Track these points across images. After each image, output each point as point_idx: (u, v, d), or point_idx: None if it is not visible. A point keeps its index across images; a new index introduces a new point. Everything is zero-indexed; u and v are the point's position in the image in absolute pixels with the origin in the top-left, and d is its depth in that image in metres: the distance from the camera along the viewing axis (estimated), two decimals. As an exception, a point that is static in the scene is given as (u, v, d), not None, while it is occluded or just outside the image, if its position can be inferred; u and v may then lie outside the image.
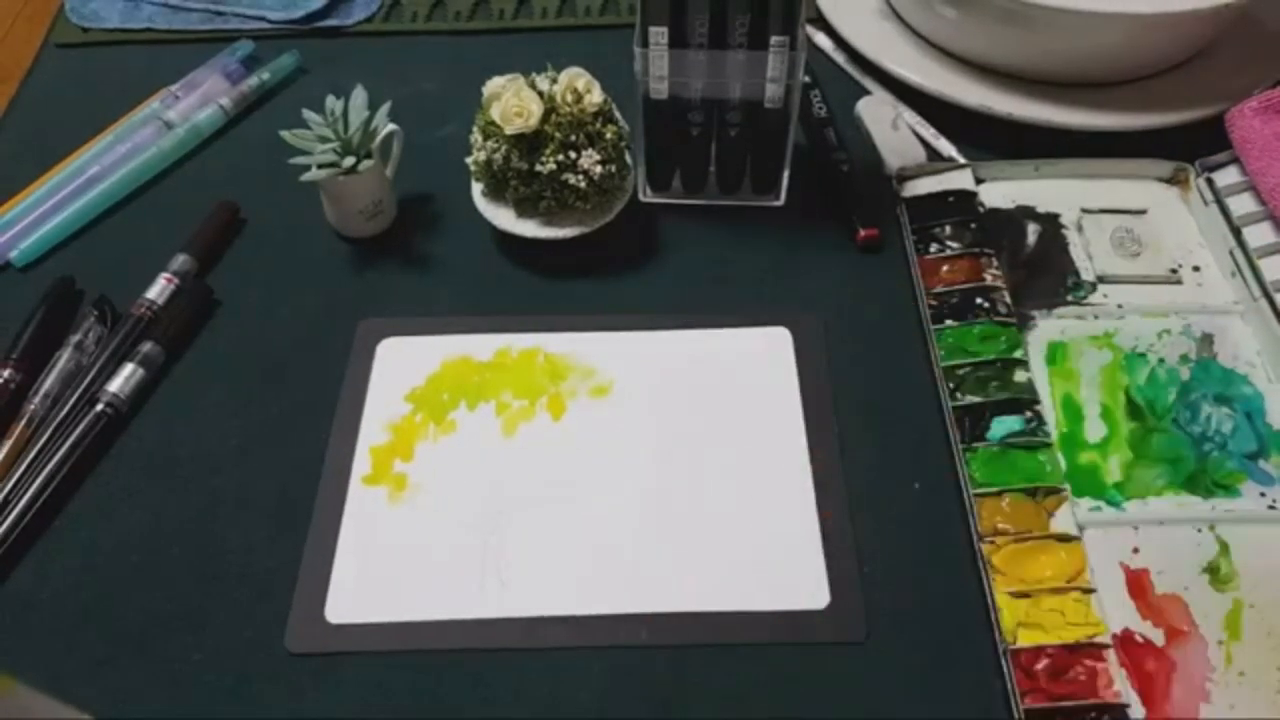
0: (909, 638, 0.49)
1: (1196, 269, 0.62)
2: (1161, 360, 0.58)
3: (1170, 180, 0.66)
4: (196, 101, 0.73)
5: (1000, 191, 0.66)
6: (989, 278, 0.60)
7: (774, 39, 0.57)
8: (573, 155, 0.59)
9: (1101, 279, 0.61)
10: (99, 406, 0.56)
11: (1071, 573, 0.50)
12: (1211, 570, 0.50)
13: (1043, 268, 0.62)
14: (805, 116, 0.69)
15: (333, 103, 0.62)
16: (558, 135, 0.59)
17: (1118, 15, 0.61)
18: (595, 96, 0.59)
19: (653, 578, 0.51)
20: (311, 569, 0.51)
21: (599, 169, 0.59)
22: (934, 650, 0.49)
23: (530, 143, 0.59)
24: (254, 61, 0.77)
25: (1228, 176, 0.63)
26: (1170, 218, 0.64)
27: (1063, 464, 0.54)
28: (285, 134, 0.62)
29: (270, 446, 0.56)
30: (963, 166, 0.66)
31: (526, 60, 0.63)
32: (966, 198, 0.64)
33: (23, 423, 0.56)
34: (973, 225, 0.63)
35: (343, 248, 0.65)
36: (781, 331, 0.60)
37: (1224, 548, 0.51)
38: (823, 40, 0.77)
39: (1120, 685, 0.46)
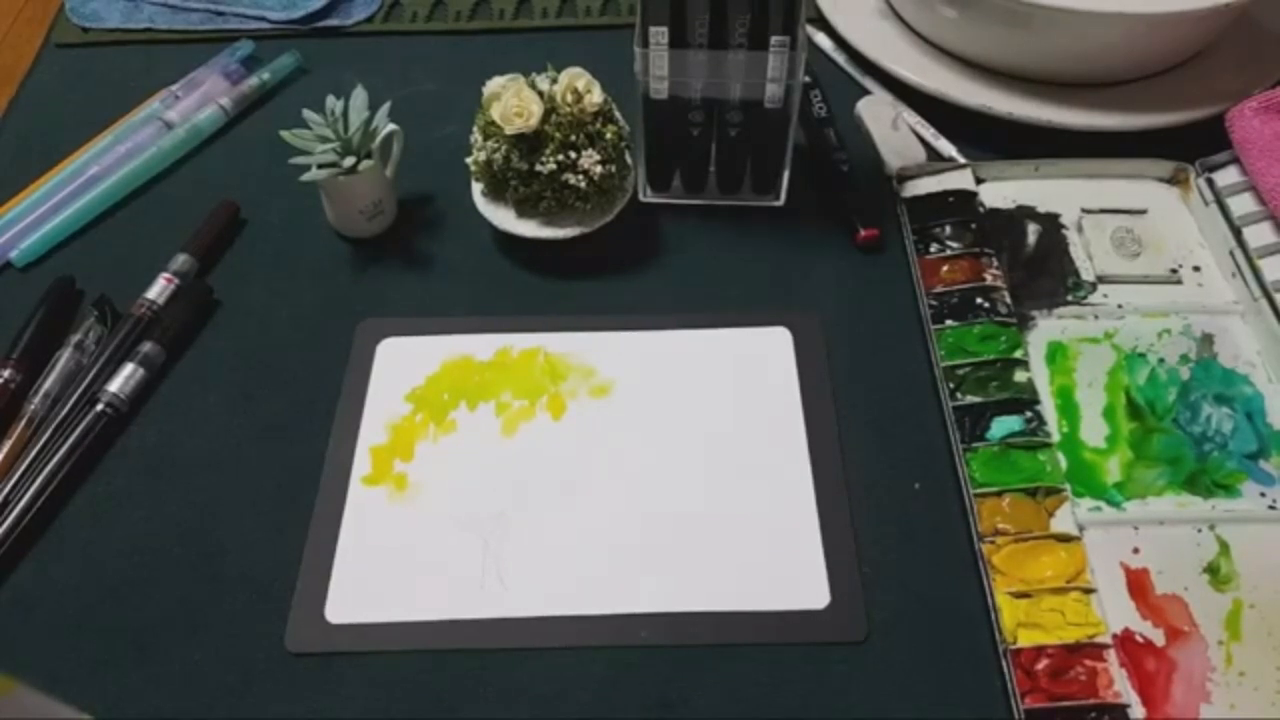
0: (909, 638, 0.49)
1: (1197, 269, 0.62)
2: (1162, 360, 0.58)
3: (1170, 180, 0.66)
4: (197, 101, 0.73)
5: (1000, 191, 0.66)
6: (989, 278, 0.60)
7: (774, 39, 0.57)
8: (573, 155, 0.59)
9: (1102, 279, 0.61)
10: (99, 406, 0.57)
11: (1072, 573, 0.50)
12: (1212, 570, 0.50)
13: (1043, 268, 0.62)
14: (805, 116, 0.69)
15: (333, 103, 0.62)
16: (558, 135, 0.59)
17: (1118, 15, 0.61)
18: (595, 96, 0.59)
19: (653, 577, 0.51)
20: (311, 569, 0.51)
21: (599, 169, 0.59)
22: (934, 650, 0.49)
23: (530, 143, 0.59)
24: (254, 61, 0.77)
25: (1228, 176, 0.63)
26: (1170, 218, 0.64)
27: (1063, 464, 0.54)
28: (285, 134, 0.62)
29: (270, 446, 0.56)
30: (963, 166, 0.66)
31: (526, 60, 0.63)
32: (967, 198, 0.64)
33: (23, 423, 0.56)
34: (973, 225, 0.63)
35: (343, 248, 0.65)
36: (781, 331, 0.60)
37: (1224, 548, 0.51)
38: (823, 40, 0.77)
39: (1120, 685, 0.46)
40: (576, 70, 0.60)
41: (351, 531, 0.53)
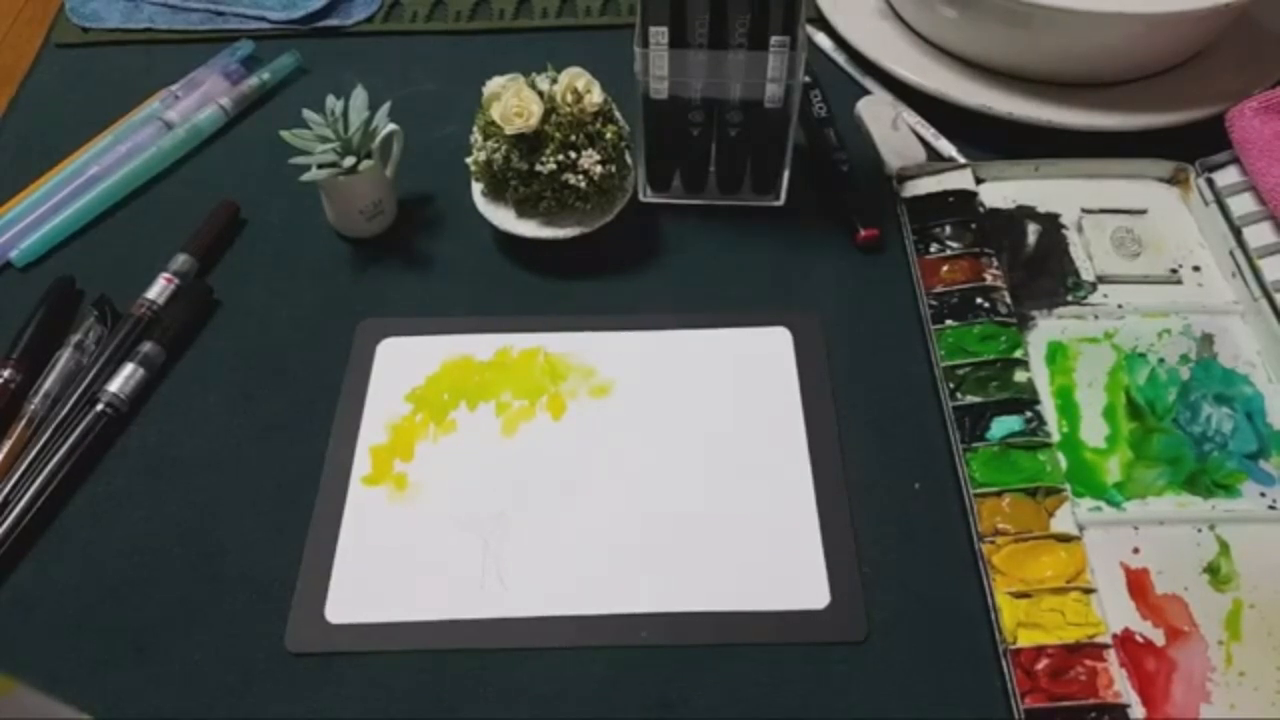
0: (909, 638, 0.49)
1: (1196, 269, 0.62)
2: (1162, 360, 0.58)
3: (1170, 180, 0.66)
4: (196, 101, 0.73)
5: (1000, 191, 0.66)
6: (989, 278, 0.60)
7: (774, 39, 0.57)
8: (573, 155, 0.59)
9: (1102, 279, 0.61)
10: (99, 406, 0.57)
11: (1072, 573, 0.50)
12: (1212, 570, 0.50)
13: (1043, 268, 0.62)
14: (805, 116, 0.69)
15: (333, 103, 0.62)
16: (558, 135, 0.59)
17: (1118, 15, 0.61)
18: (595, 96, 0.59)
19: (653, 577, 0.51)
20: (311, 569, 0.51)
21: (599, 169, 0.59)
22: (934, 650, 0.49)
23: (530, 143, 0.59)
24: (254, 61, 0.77)
25: (1228, 176, 0.63)
26: (1170, 218, 0.64)
27: (1063, 464, 0.54)
28: (285, 134, 0.62)
29: (270, 446, 0.56)
30: (963, 166, 0.66)
31: (526, 60, 0.63)
32: (966, 198, 0.64)
33: (23, 423, 0.56)
34: (973, 225, 0.63)
35: (343, 248, 0.65)
36: (781, 331, 0.60)
37: (1224, 548, 0.51)
38: (823, 40, 0.77)
39: (1120, 685, 0.46)
40: (576, 70, 0.60)
41: (351, 531, 0.53)
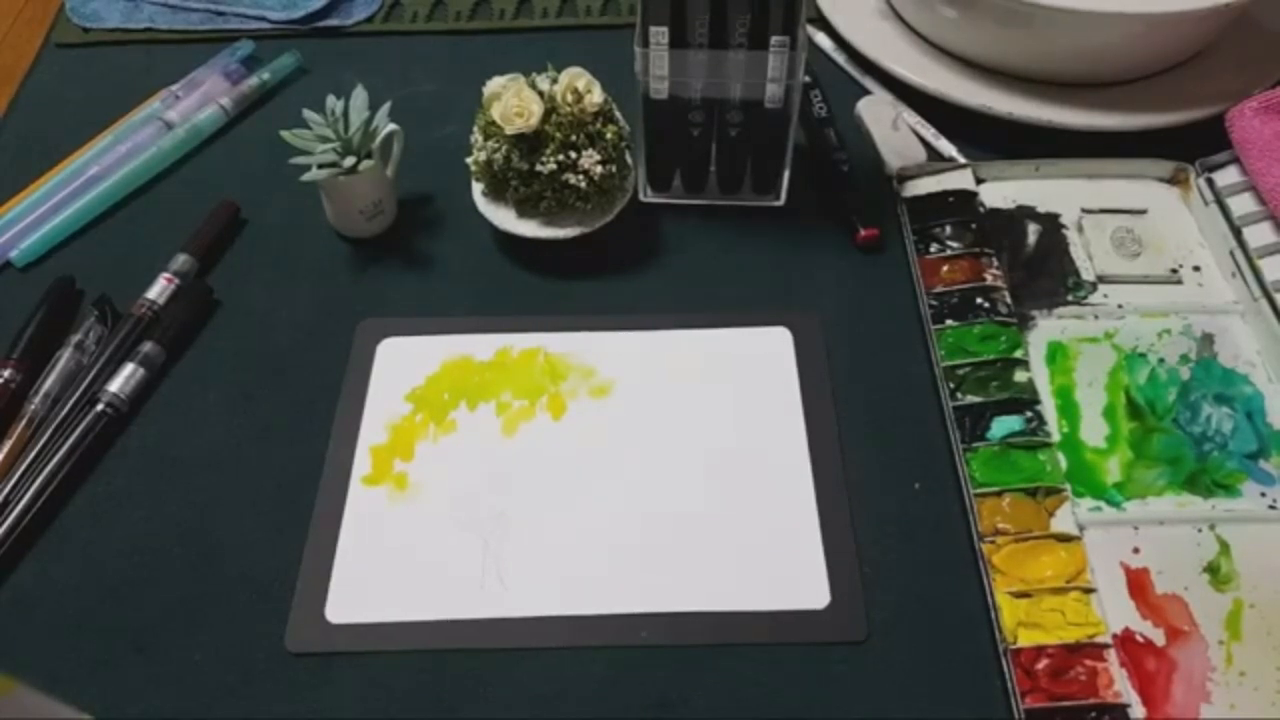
0: (909, 638, 0.49)
1: (1197, 269, 0.62)
2: (1162, 360, 0.58)
3: (1170, 180, 0.66)
4: (197, 101, 0.73)
5: (1000, 191, 0.66)
6: (989, 278, 0.60)
7: (774, 39, 0.57)
8: (573, 155, 0.59)
9: (1102, 279, 0.61)
10: (99, 406, 0.57)
11: (1072, 572, 0.50)
12: (1212, 570, 0.50)
13: (1043, 268, 0.62)
14: (805, 116, 0.69)
15: (333, 103, 0.62)
16: (558, 135, 0.59)
17: (1118, 15, 0.61)
18: (595, 96, 0.59)
19: (653, 577, 0.51)
20: (311, 569, 0.51)
21: (599, 169, 0.59)
22: (934, 650, 0.49)
23: (530, 143, 0.59)
24: (254, 61, 0.77)
25: (1228, 176, 0.63)
26: (1170, 218, 0.64)
27: (1063, 464, 0.54)
28: (285, 134, 0.62)
29: (270, 446, 0.56)
30: (963, 166, 0.66)
31: (527, 60, 0.63)
32: (967, 198, 0.64)
33: (23, 423, 0.56)
34: (973, 225, 0.63)
35: (343, 248, 0.65)
36: (781, 331, 0.60)
37: (1224, 547, 0.51)
38: (823, 40, 0.77)
39: (1120, 685, 0.46)
40: (576, 70, 0.60)
41: (351, 531, 0.53)
